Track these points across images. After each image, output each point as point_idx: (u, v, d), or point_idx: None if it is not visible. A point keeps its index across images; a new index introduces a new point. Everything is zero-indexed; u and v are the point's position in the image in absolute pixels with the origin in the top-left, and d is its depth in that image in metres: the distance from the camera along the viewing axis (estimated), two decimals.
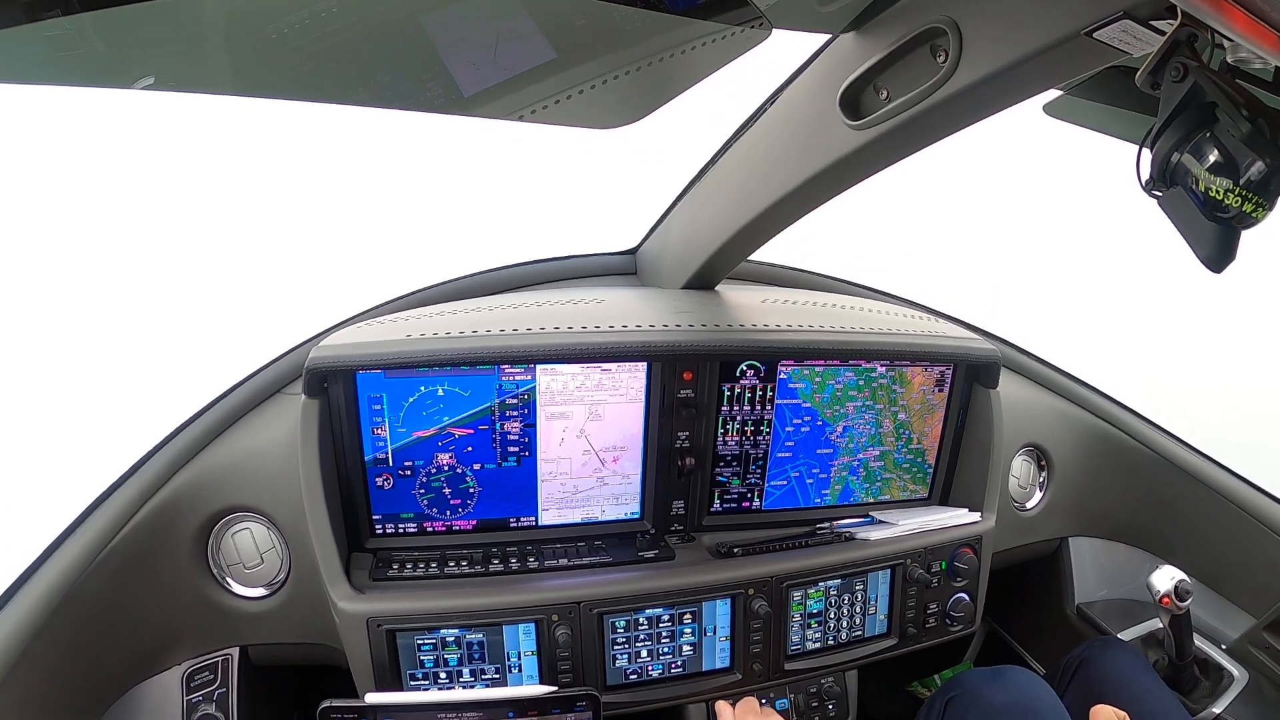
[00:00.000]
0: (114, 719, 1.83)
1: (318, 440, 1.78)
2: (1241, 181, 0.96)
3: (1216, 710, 2.31)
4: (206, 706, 1.94)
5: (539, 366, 1.91)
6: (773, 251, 2.10)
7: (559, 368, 1.92)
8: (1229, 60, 1.05)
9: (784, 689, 2.16)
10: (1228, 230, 1.01)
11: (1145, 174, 1.07)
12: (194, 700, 1.94)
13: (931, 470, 2.39)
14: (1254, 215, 0.97)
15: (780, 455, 2.21)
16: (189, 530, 1.89)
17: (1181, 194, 1.02)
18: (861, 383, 2.19)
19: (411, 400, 1.87)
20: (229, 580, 1.94)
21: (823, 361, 2.13)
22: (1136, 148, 1.10)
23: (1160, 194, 1.07)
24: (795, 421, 2.18)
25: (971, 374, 2.32)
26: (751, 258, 2.13)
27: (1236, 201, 0.96)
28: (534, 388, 1.93)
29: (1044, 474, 2.68)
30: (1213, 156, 0.97)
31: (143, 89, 1.13)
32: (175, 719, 1.92)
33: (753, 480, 2.19)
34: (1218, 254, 1.03)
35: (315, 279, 2.68)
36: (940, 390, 2.30)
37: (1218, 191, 0.97)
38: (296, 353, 2.08)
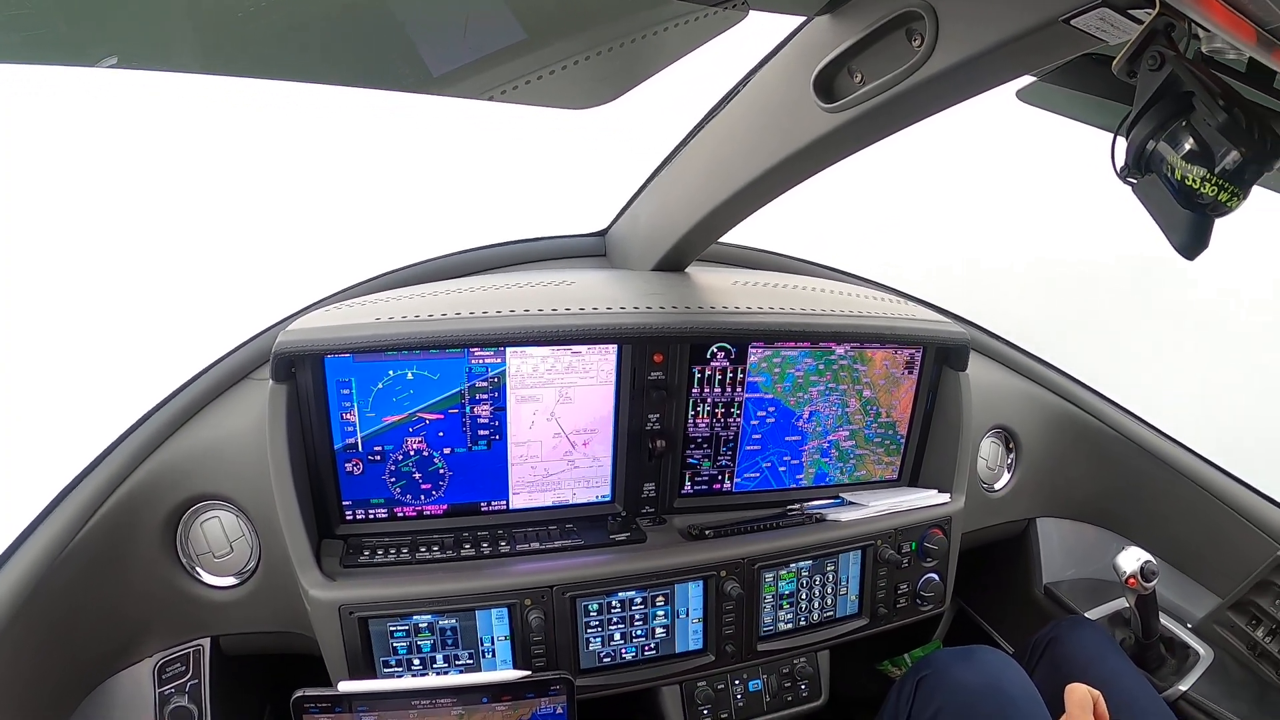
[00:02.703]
0: (86, 714, 1.80)
1: (286, 426, 1.76)
2: (1216, 170, 0.96)
3: (1183, 688, 2.33)
4: (179, 698, 1.92)
5: (509, 349, 1.90)
6: (744, 234, 2.10)
7: (529, 350, 1.91)
8: (1204, 50, 1.05)
9: (756, 670, 2.17)
10: (1202, 218, 1.01)
11: (1120, 161, 1.07)
12: (166, 692, 1.91)
13: (904, 441, 2.40)
14: (1228, 204, 0.98)
15: (749, 449, 2.21)
16: (157, 520, 1.87)
17: (1156, 181, 1.03)
18: (821, 366, 2.19)
19: (381, 385, 1.86)
20: (198, 570, 1.91)
21: (790, 346, 2.13)
22: (1110, 135, 1.10)
23: (1135, 181, 1.07)
24: (760, 414, 2.18)
25: (941, 357, 2.34)
26: (722, 240, 2.12)
27: (1211, 190, 0.97)
28: (504, 371, 1.91)
29: (1012, 456, 2.70)
30: (1188, 145, 0.98)
31: (107, 68, 1.11)
32: (148, 712, 1.89)
33: (724, 462, 2.19)
34: (1191, 241, 1.04)
35: (282, 262, 2.64)
36: (910, 373, 2.31)
37: (1193, 180, 0.97)
38: (264, 337, 2.05)
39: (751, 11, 1.36)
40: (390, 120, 2.73)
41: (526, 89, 1.41)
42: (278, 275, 2.56)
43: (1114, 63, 1.02)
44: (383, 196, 2.94)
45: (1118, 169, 1.09)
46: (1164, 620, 2.48)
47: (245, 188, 2.75)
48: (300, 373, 1.81)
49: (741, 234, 2.08)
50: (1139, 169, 1.05)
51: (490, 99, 1.41)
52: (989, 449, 2.65)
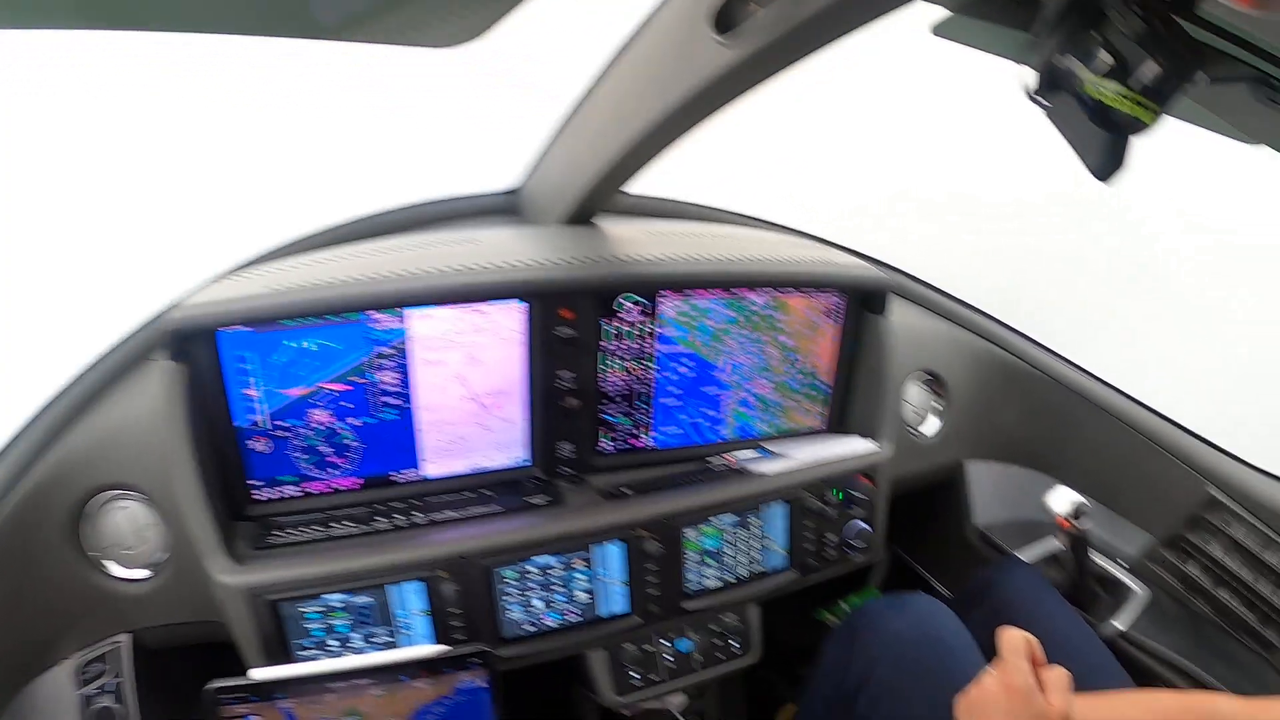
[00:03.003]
0: None
1: (184, 407, 1.67)
2: (1131, 84, 0.91)
3: (1119, 626, 2.34)
4: (103, 699, 1.84)
5: (410, 312, 1.82)
6: (659, 185, 2.06)
7: (432, 312, 1.84)
8: None
9: (684, 629, 2.14)
10: (1117, 137, 0.97)
11: (1030, 83, 1.03)
12: (89, 694, 1.83)
13: (828, 389, 2.36)
14: (1145, 120, 0.93)
15: (666, 403, 2.16)
16: (60, 515, 1.78)
17: (1068, 100, 0.98)
18: (739, 316, 2.14)
19: (280, 357, 1.77)
20: (108, 564, 1.83)
21: (704, 297, 2.08)
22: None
23: (1046, 102, 1.03)
24: (676, 368, 2.13)
25: (862, 302, 2.30)
26: (636, 191, 2.08)
27: (1127, 106, 0.92)
28: (407, 335, 1.84)
29: (939, 400, 2.69)
30: (1100, 57, 0.93)
31: None
32: (72, 715, 1.81)
33: (640, 418, 2.14)
34: (1106, 162, 1.00)
35: (180, 240, 2.55)
36: (830, 319, 2.27)
37: (1108, 96, 0.92)
38: (160, 318, 1.96)
39: None
40: (296, 83, 2.65)
41: (377, 26, 1.33)
42: (174, 254, 2.48)
43: None
44: (283, 163, 2.85)
45: (1028, 91, 1.05)
46: (1098, 559, 2.50)
47: (128, 161, 2.65)
48: (196, 350, 1.72)
49: (656, 185, 2.04)
50: (1049, 88, 1.01)
51: (337, 38, 1.33)
52: (915, 394, 2.63)
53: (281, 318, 1.71)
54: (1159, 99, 0.92)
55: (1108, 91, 0.92)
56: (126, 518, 1.84)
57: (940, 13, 1.41)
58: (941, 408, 2.69)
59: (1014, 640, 1.54)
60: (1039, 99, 1.03)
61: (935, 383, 2.68)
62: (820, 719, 1.99)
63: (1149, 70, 0.90)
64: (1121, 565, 2.52)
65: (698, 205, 2.53)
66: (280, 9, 1.23)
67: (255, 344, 1.75)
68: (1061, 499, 2.22)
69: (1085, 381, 2.62)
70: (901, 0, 1.24)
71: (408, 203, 2.29)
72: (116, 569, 1.84)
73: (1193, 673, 2.20)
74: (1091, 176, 1.03)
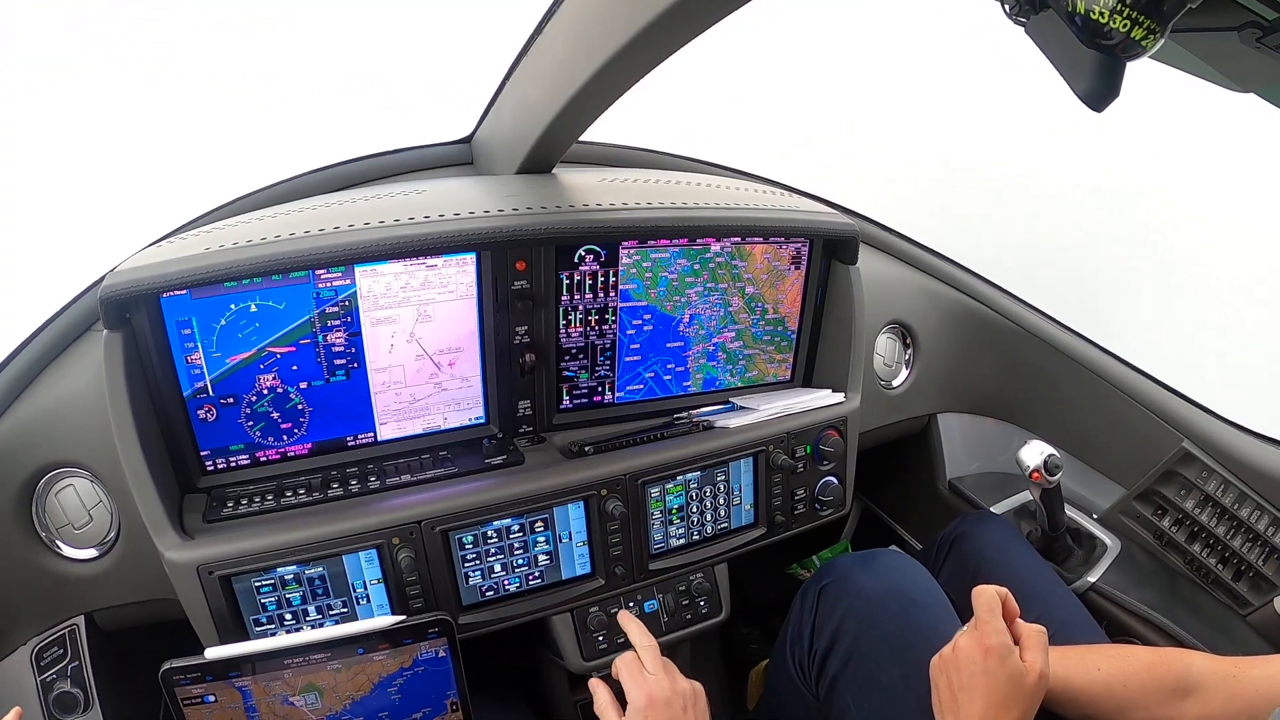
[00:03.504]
0: None
1: (125, 377, 1.59)
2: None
3: (1091, 579, 2.35)
4: (61, 683, 1.81)
5: (357, 268, 1.74)
6: (618, 132, 1.99)
7: (380, 268, 1.76)
8: None
9: (651, 590, 2.09)
10: (1111, 59, 0.90)
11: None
12: (48, 679, 1.80)
13: (795, 337, 2.31)
14: (1142, 41, 0.86)
15: (629, 359, 2.11)
16: (8, 496, 1.72)
17: (1053, 18, 0.91)
18: (697, 266, 2.08)
19: (223, 321, 1.69)
20: (58, 544, 1.77)
21: (660, 247, 2.02)
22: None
23: (1025, 20, 0.96)
24: (635, 323, 2.07)
25: (829, 250, 2.24)
26: (593, 138, 2.01)
27: (1122, 25, 0.84)
28: (354, 292, 1.76)
29: (909, 351, 2.66)
30: None
31: None
32: (31, 701, 1.78)
33: (603, 373, 2.09)
34: (1099, 88, 0.92)
35: (120, 204, 2.47)
36: (796, 268, 2.21)
37: (1099, 12, 0.85)
38: (99, 286, 1.89)
39: None
40: (234, 28, 2.57)
41: None
42: (113, 219, 2.41)
43: None
44: (227, 120, 2.76)
45: (1006, 8, 0.98)
46: (1070, 512, 2.50)
47: (66, 119, 2.56)
48: (135, 317, 1.63)
49: (615, 132, 1.97)
50: (1031, 5, 0.94)
51: None
52: (885, 345, 2.60)
53: (222, 279, 1.61)
54: (1158, 16, 0.85)
55: (1100, 7, 0.86)
56: (75, 496, 1.78)
57: None
58: (912, 359, 2.66)
59: (988, 598, 1.51)
60: (1018, 18, 0.97)
61: (906, 334, 2.64)
62: (791, 678, 1.96)
63: None
64: (1094, 518, 2.53)
65: (656, 152, 2.47)
66: None
67: (197, 308, 1.67)
68: (1034, 452, 2.20)
69: (1059, 334, 2.59)
70: None
71: (355, 155, 2.21)
72: (67, 549, 1.79)
73: (1164, 625, 2.20)
74: (1081, 102, 0.96)
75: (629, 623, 1.75)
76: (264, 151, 2.44)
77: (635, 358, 2.11)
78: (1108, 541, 2.45)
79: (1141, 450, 2.40)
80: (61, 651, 1.82)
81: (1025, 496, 2.63)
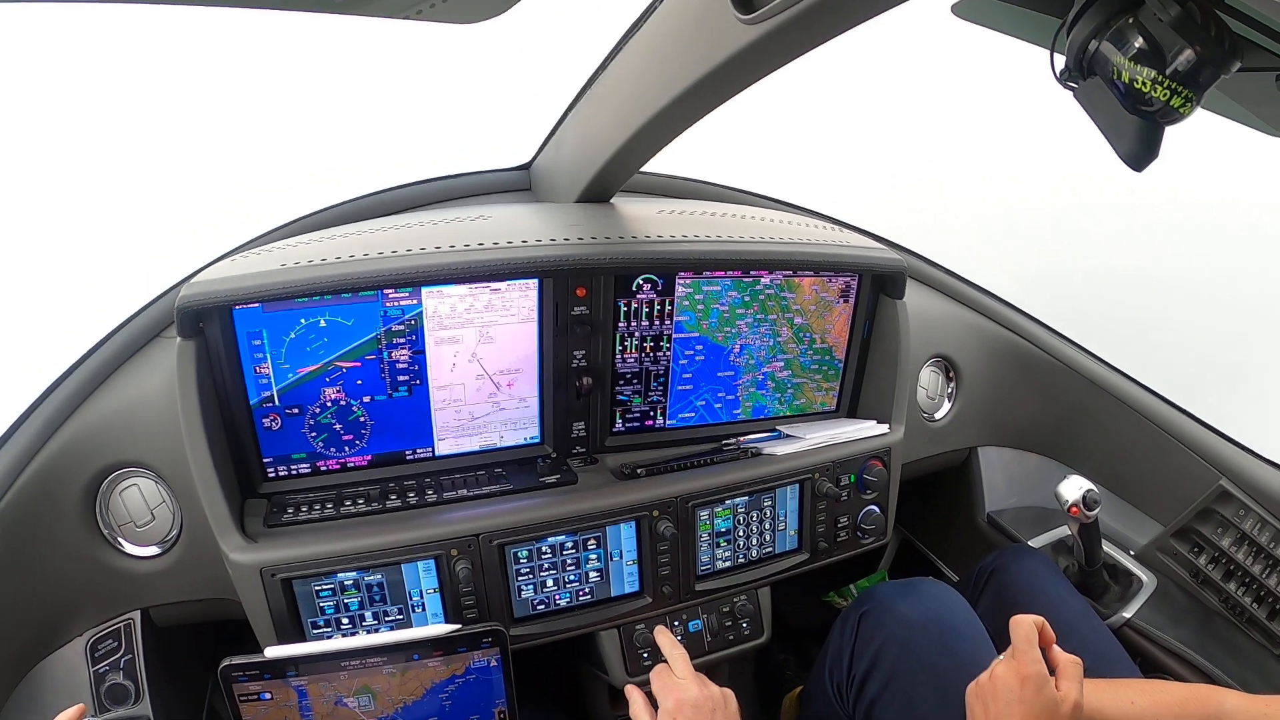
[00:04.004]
0: (21, 702, 1.75)
1: (197, 385, 1.66)
2: (1168, 72, 0.90)
3: (1126, 615, 2.35)
4: (114, 675, 1.86)
5: (424, 289, 1.81)
6: (673, 163, 2.04)
7: (446, 290, 1.83)
8: None
9: (696, 610, 2.13)
10: (1151, 125, 0.96)
11: (1060, 64, 1.02)
12: (101, 671, 1.85)
13: (842, 365, 2.35)
14: (1180, 109, 0.92)
15: (681, 389, 2.16)
16: (74, 493, 1.78)
17: (1100, 85, 0.97)
18: (747, 298, 2.13)
19: (293, 334, 1.76)
20: (121, 541, 1.84)
21: (712, 279, 2.07)
22: (1051, 40, 1.04)
23: (1076, 85, 1.01)
24: (688, 353, 2.13)
25: (877, 284, 2.28)
26: (650, 169, 2.04)
27: (1162, 94, 0.91)
28: (420, 312, 1.83)
29: (952, 385, 2.68)
30: (1136, 44, 0.92)
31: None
32: (84, 692, 1.83)
33: (655, 398, 2.14)
34: (1140, 150, 0.98)
35: (194, 215, 2.55)
36: (845, 300, 2.26)
37: (1142, 82, 0.91)
38: (172, 294, 1.94)
39: None
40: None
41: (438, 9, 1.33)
42: (186, 229, 2.48)
43: None
44: (298, 139, 2.84)
45: (1057, 73, 1.03)
46: (1107, 547, 2.50)
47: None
48: (209, 327, 1.71)
49: (671, 163, 2.02)
50: (1080, 72, 0.99)
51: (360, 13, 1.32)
52: (929, 378, 2.62)
53: (296, 295, 1.69)
54: (1195, 86, 0.91)
55: (1143, 78, 0.91)
56: (139, 495, 1.84)
57: None
58: (954, 393, 2.68)
59: (1026, 628, 1.53)
60: (1069, 82, 1.02)
61: (949, 368, 2.67)
62: (827, 701, 1.99)
63: (1186, 58, 0.89)
64: (1130, 554, 2.53)
65: (709, 184, 2.53)
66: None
67: (269, 321, 1.74)
68: (1073, 486, 2.21)
69: (1100, 370, 2.61)
70: None
71: (420, 178, 2.28)
72: (129, 546, 1.85)
73: (1198, 663, 2.21)
74: (1123, 162, 1.02)
75: (660, 635, 1.79)
76: (331, 171, 2.51)
77: (687, 387, 2.16)
78: (1144, 578, 2.45)
79: (1179, 487, 2.41)
80: (116, 644, 1.87)
81: (1063, 531, 2.64)
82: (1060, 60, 1.03)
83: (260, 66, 2.64)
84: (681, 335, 2.09)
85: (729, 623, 2.16)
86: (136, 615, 1.90)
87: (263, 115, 2.78)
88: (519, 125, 2.39)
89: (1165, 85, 0.91)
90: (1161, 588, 2.43)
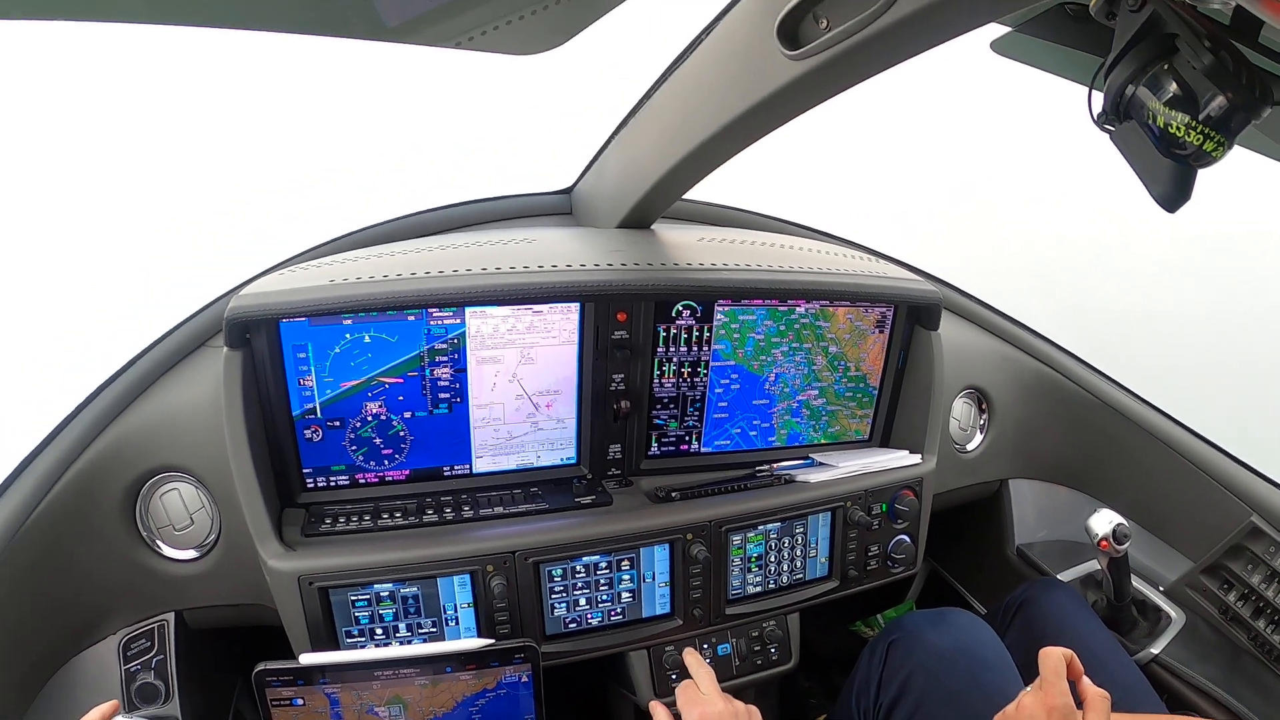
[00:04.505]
0: (51, 695, 1.77)
1: (242, 394, 1.71)
2: (1201, 117, 0.92)
3: (1154, 651, 2.34)
4: (145, 675, 1.89)
5: (468, 310, 1.85)
6: (712, 190, 2.06)
7: (489, 310, 1.86)
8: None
9: (725, 634, 2.14)
10: (1184, 168, 0.98)
11: (1097, 108, 1.04)
12: (132, 669, 1.88)
13: (876, 392, 2.37)
14: (1212, 153, 0.94)
15: (717, 416, 2.18)
16: (115, 494, 1.83)
17: (1136, 129, 0.99)
18: (783, 327, 2.15)
19: (338, 349, 1.81)
20: (159, 543, 1.88)
21: (748, 308, 2.09)
22: (1089, 83, 1.07)
23: (1113, 129, 1.04)
24: (724, 381, 2.16)
25: (912, 315, 2.30)
26: (689, 196, 2.07)
27: (1196, 138, 0.93)
28: (464, 332, 1.87)
29: (984, 416, 2.69)
30: (1171, 90, 0.94)
31: (48, 19, 1.06)
32: (114, 690, 1.86)
33: (691, 423, 2.16)
34: (1173, 192, 1.00)
35: (239, 228, 2.60)
36: (880, 331, 2.28)
37: (1176, 127, 0.94)
38: (219, 304, 2.00)
39: None
40: (352, 79, 2.68)
41: (482, 40, 1.36)
42: (236, 241, 2.52)
43: (1092, 3, 0.99)
44: (343, 158, 2.89)
45: (1094, 116, 1.06)
46: (1136, 583, 2.49)
47: (198, 151, 2.69)
48: (255, 338, 1.75)
49: (709, 190, 2.04)
50: (1117, 115, 1.02)
51: (423, 44, 1.36)
52: (961, 409, 2.63)
53: (345, 311, 1.74)
54: (1227, 132, 0.93)
55: (1177, 123, 0.94)
56: (179, 499, 1.88)
57: (999, 29, 1.42)
58: (986, 425, 2.69)
59: (1055, 660, 1.54)
60: (1105, 126, 1.05)
61: (982, 399, 2.68)
62: None
63: (1218, 104, 0.91)
64: (1160, 590, 2.51)
65: (748, 212, 2.56)
66: (350, 11, 1.27)
67: (315, 335, 1.78)
68: (1103, 520, 2.20)
69: (1132, 404, 2.60)
70: (972, 23, 1.25)
71: (462, 199, 2.32)
72: (167, 548, 1.89)
73: (1226, 702, 2.19)
74: (1156, 204, 1.04)
75: (689, 655, 1.83)
76: (377, 190, 2.56)
77: (723, 415, 2.19)
78: (1172, 614, 2.43)
79: (1210, 523, 2.39)
80: (148, 644, 1.91)
81: (1092, 565, 2.63)
82: (1097, 101, 1.05)
83: (306, 81, 2.68)
84: (718, 364, 2.12)
85: (758, 647, 2.17)
86: (170, 617, 1.93)
87: (302, 135, 2.83)
88: (560, 150, 2.43)
89: (1198, 130, 0.93)
90: (1190, 624, 2.41)
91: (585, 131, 2.23)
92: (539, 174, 2.45)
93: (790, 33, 1.37)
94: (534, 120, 2.90)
